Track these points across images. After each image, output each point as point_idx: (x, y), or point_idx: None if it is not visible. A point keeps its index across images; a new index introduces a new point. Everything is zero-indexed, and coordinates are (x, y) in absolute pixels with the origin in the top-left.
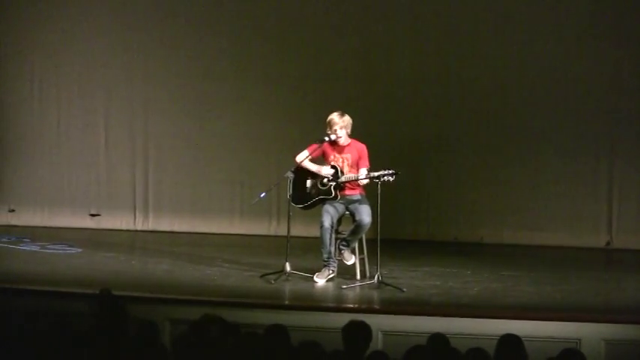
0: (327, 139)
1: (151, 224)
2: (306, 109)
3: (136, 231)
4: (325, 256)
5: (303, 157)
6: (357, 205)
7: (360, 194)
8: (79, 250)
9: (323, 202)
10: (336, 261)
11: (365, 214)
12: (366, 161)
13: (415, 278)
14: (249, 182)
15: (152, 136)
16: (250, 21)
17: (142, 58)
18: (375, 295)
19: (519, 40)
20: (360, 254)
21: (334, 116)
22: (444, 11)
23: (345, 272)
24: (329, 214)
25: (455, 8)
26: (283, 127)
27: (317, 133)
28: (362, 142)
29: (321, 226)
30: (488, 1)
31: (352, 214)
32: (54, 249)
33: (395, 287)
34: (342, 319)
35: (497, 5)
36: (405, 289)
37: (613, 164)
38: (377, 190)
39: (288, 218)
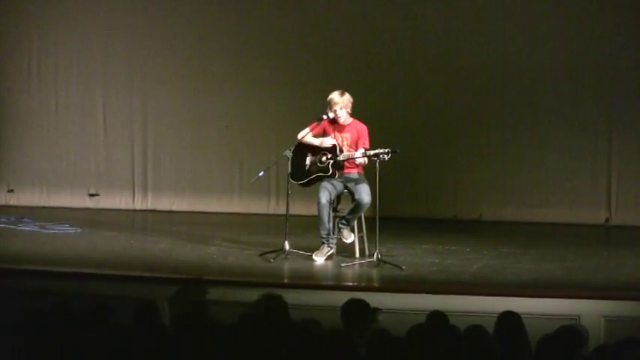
0: (325, 117)
1: (150, 203)
2: (306, 89)
3: (135, 210)
4: (323, 233)
5: (304, 134)
6: (355, 184)
7: (359, 173)
8: (79, 229)
9: (321, 179)
10: (335, 238)
11: (364, 193)
12: (365, 142)
13: (414, 256)
14: (248, 161)
15: (151, 115)
16: (251, 3)
17: (141, 37)
18: (375, 273)
19: (519, 18)
20: (359, 232)
21: (334, 95)
22: None
23: (345, 250)
24: (326, 190)
25: None
26: (282, 107)
27: (316, 112)
28: (363, 122)
29: (319, 202)
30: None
31: (351, 193)
32: (53, 229)
33: (394, 265)
34: (341, 298)
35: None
36: (404, 267)
37: (612, 142)
38: (375, 168)
39: (287, 197)
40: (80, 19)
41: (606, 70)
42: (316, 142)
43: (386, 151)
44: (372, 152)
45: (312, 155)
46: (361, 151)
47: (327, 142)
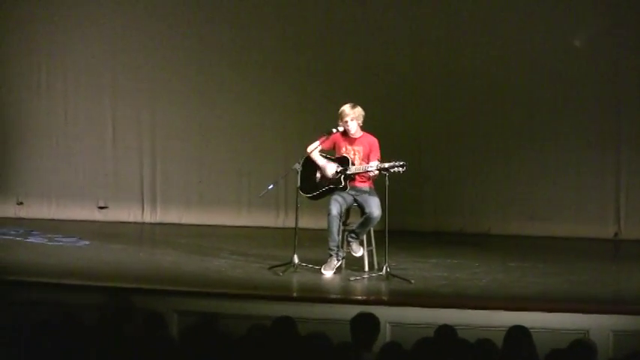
0: (334, 130)
1: (159, 216)
2: (313, 101)
3: (144, 223)
4: (332, 244)
5: (314, 148)
6: (366, 197)
7: (369, 187)
8: (87, 242)
9: (332, 192)
10: (344, 251)
11: (375, 206)
12: (377, 154)
13: (423, 270)
14: (257, 174)
15: (159, 128)
16: (255, 13)
17: (149, 49)
18: (383, 286)
19: (524, 31)
20: (368, 246)
21: (346, 107)
22: (446, 3)
23: (354, 264)
24: (337, 203)
25: (458, 1)
26: (290, 119)
27: (324, 124)
28: (374, 136)
29: (329, 214)
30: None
31: (361, 207)
32: (62, 241)
33: (403, 279)
34: (350, 311)
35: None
36: (412, 281)
37: (619, 154)
38: (385, 182)
39: (297, 210)
40: (89, 31)
41: (614, 82)
42: (321, 163)
43: (400, 164)
44: (386, 165)
45: (322, 169)
46: (375, 163)
47: (330, 169)
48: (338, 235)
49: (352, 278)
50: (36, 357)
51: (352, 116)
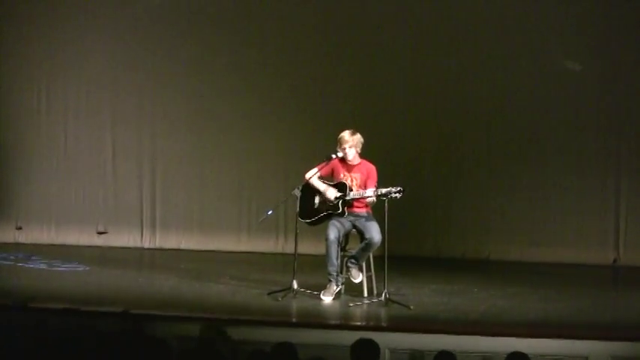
0: (333, 156)
1: (158, 242)
2: (313, 126)
3: (143, 248)
4: (331, 270)
5: (312, 174)
6: (364, 222)
7: (367, 212)
8: (87, 267)
9: (330, 217)
10: (343, 277)
11: (375, 232)
12: (374, 182)
13: (422, 295)
14: (257, 199)
15: (159, 153)
16: (256, 39)
17: (150, 74)
18: (383, 312)
19: (525, 54)
20: (367, 272)
21: (345, 134)
22: (445, 23)
23: (353, 289)
24: (335, 227)
25: (457, 18)
26: (290, 144)
27: (324, 149)
28: (372, 163)
29: (327, 239)
30: (490, 11)
31: (360, 232)
32: (62, 267)
33: (402, 305)
34: (349, 337)
35: (500, 20)
36: (412, 307)
37: (620, 181)
38: (384, 207)
39: (296, 236)
40: (90, 56)
41: (614, 107)
42: (321, 187)
43: (397, 189)
44: (383, 190)
45: (321, 194)
46: (372, 189)
47: (330, 193)
48: (337, 260)
49: (351, 304)
50: None
51: (351, 143)
